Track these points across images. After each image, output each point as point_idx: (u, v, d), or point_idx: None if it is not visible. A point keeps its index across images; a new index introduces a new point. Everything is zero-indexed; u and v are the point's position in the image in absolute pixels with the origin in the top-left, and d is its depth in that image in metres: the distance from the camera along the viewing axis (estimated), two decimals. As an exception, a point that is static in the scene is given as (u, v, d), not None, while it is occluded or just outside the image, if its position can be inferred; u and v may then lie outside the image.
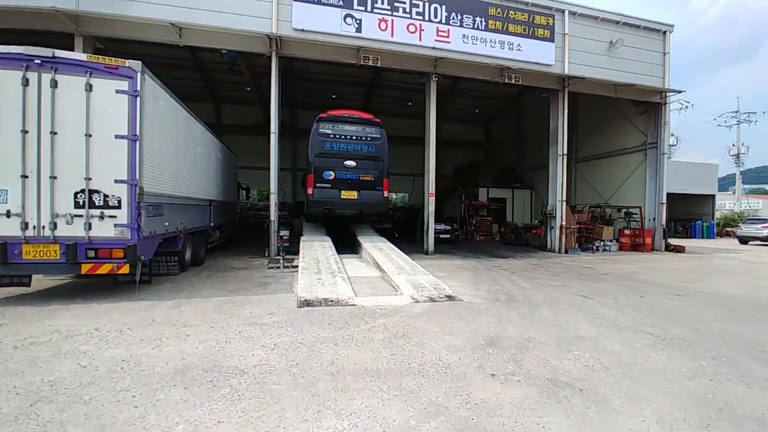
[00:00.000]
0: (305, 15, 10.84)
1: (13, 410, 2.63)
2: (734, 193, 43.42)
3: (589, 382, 3.18)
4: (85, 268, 5.49)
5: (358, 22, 11.14)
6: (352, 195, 10.90)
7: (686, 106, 32.60)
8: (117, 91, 5.59)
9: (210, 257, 10.34)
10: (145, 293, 6.10)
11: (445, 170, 22.70)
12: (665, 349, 4.04)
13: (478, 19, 12.06)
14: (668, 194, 14.97)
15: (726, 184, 47.90)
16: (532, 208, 21.36)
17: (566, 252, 13.38)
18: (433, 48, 11.67)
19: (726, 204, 39.10)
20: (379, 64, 11.58)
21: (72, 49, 9.19)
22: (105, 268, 5.54)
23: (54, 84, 5.41)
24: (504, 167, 23.28)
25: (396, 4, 11.37)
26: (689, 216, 25.89)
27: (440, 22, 11.77)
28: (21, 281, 5.69)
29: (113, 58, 5.67)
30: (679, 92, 14.58)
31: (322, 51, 11.21)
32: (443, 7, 11.74)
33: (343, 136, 10.99)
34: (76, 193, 5.47)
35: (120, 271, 5.60)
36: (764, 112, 40.69)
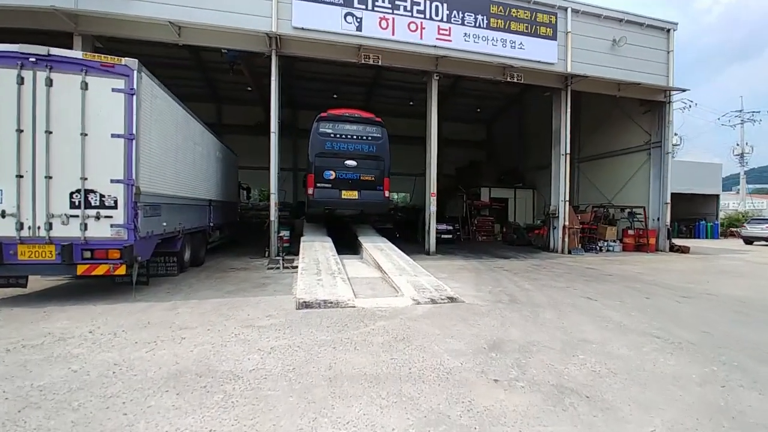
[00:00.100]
0: (305, 13, 10.74)
1: (0, 416, 2.55)
2: (738, 192, 43.14)
3: (596, 388, 3.06)
4: (81, 269, 5.41)
5: (358, 20, 11.04)
6: (353, 195, 10.80)
7: (689, 106, 32.40)
8: (113, 90, 5.51)
9: (210, 257, 10.26)
10: (142, 294, 6.02)
11: (447, 170, 22.61)
12: (674, 353, 3.92)
13: (479, 17, 11.94)
14: (672, 194, 14.81)
15: (729, 183, 47.62)
16: (535, 208, 21.22)
17: (569, 252, 13.24)
18: (435, 47, 11.56)
19: (730, 204, 38.84)
20: (380, 63, 11.47)
21: (71, 49, 9.13)
22: (101, 269, 5.46)
23: (49, 82, 5.33)
24: (506, 167, 23.15)
25: (397, 3, 11.27)
26: (693, 216, 25.67)
27: (441, 20, 11.66)
28: (17, 282, 5.63)
29: (109, 56, 5.59)
30: (683, 91, 14.42)
31: (323, 50, 11.12)
32: (444, 5, 11.63)
33: (343, 136, 10.89)
34: (71, 193, 5.39)
35: (116, 272, 5.51)
36: (768, 112, 40.34)
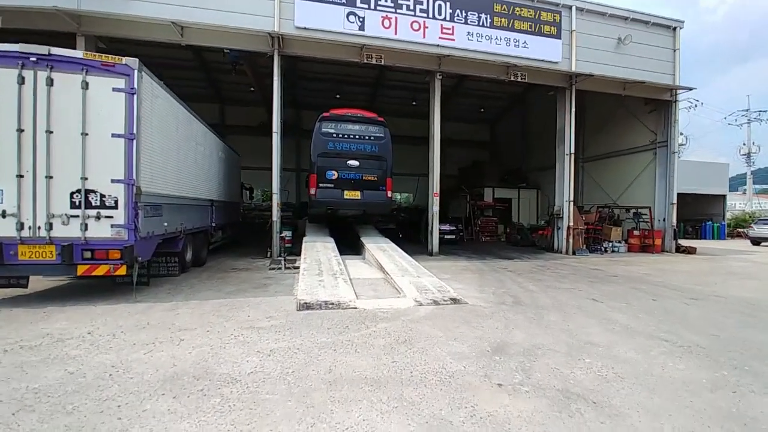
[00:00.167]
0: (308, 13, 10.70)
1: (-8, 420, 2.50)
2: (745, 193, 42.67)
3: (603, 393, 2.97)
4: (81, 270, 5.39)
5: (361, 19, 10.99)
6: (356, 195, 10.74)
7: (695, 105, 32.05)
8: (114, 89, 5.49)
9: (212, 258, 10.24)
10: (143, 295, 5.98)
11: (450, 170, 22.55)
12: (683, 357, 3.82)
13: (483, 16, 11.85)
14: (678, 194, 14.64)
15: (736, 184, 47.07)
16: (538, 208, 21.06)
17: (574, 253, 13.11)
18: (438, 46, 11.48)
19: (736, 204, 38.40)
20: (382, 63, 11.42)
21: (75, 50, 9.14)
22: (101, 270, 5.43)
23: (50, 82, 5.31)
24: (509, 167, 23.00)
25: (400, 2, 11.20)
26: (699, 216, 25.40)
27: (444, 19, 11.57)
28: (18, 282, 5.61)
29: (110, 56, 5.56)
30: (690, 89, 14.23)
31: (325, 49, 11.07)
32: (447, 4, 11.55)
33: (346, 136, 10.83)
34: (72, 193, 5.37)
35: (117, 273, 5.48)
36: (776, 111, 39.78)
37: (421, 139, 16.10)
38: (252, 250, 11.89)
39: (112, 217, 5.46)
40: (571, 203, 13.31)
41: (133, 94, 5.54)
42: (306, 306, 5.31)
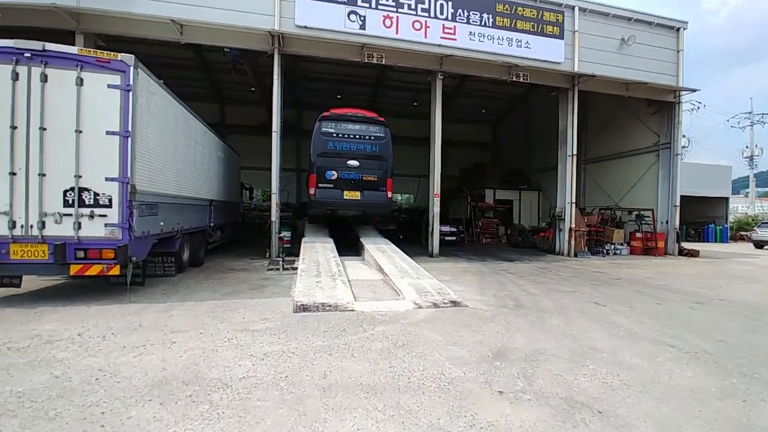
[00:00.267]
0: (308, 11, 10.61)
1: (-30, 427, 2.39)
2: (747, 195, 42.44)
3: (609, 402, 2.86)
4: (74, 269, 5.29)
5: (362, 18, 10.90)
6: (355, 195, 10.63)
7: (698, 107, 31.92)
8: (109, 86, 5.40)
9: (210, 258, 10.14)
10: (137, 295, 5.88)
11: (451, 171, 22.43)
12: (690, 363, 3.69)
13: (485, 15, 11.75)
14: (680, 197, 14.49)
15: (738, 186, 46.80)
16: (540, 210, 20.91)
17: (575, 255, 12.97)
18: (439, 45, 11.39)
19: (739, 207, 38.18)
20: (383, 62, 11.31)
21: (72, 46, 9.07)
22: (95, 270, 5.33)
23: (44, 78, 5.23)
24: (511, 168, 22.87)
25: (401, 1, 11.10)
26: (702, 219, 25.21)
27: (446, 18, 11.48)
28: (11, 282, 5.51)
29: (105, 52, 5.47)
30: (693, 91, 14.12)
31: (326, 48, 10.98)
32: (449, 3, 11.45)
33: (346, 135, 10.72)
34: (65, 191, 5.28)
35: (110, 273, 5.38)
36: (779, 114, 39.56)
37: (422, 140, 16.00)
38: (251, 250, 11.79)
39: (106, 216, 5.36)
40: (573, 205, 13.18)
41: (128, 90, 5.45)
42: (303, 308, 5.19)
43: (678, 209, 14.34)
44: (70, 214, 5.27)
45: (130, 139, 5.45)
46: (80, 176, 5.29)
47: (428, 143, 12.53)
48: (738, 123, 41.26)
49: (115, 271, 5.41)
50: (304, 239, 10.23)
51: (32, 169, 5.18)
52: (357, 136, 10.78)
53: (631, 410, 2.75)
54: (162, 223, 6.67)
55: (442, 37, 11.43)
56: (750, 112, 40.37)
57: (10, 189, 5.14)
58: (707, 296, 7.02)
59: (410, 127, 21.12)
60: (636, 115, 15.62)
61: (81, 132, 5.30)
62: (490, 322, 4.87)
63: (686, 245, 15.51)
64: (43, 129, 5.21)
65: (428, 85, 12.54)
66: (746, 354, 4.04)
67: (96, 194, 5.34)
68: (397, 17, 11.12)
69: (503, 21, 11.88)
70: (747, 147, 40.74)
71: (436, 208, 11.98)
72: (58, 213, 5.24)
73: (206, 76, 18.79)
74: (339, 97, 19.77)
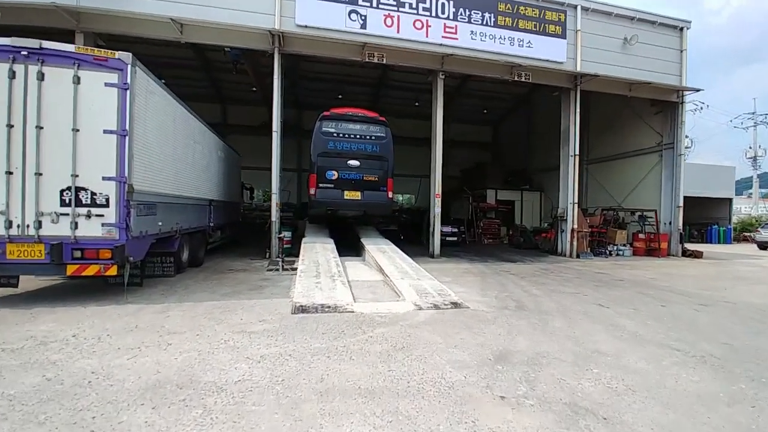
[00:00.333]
0: (309, 11, 10.56)
1: (-43, 432, 2.33)
2: (750, 196, 42.16)
3: (614, 408, 2.77)
4: (70, 270, 5.23)
5: (363, 17, 10.83)
6: (356, 195, 10.55)
7: (701, 107, 31.66)
8: (106, 84, 5.34)
9: (210, 258, 10.09)
10: (135, 296, 5.82)
11: (452, 171, 22.33)
12: (696, 368, 3.61)
13: (487, 15, 11.67)
14: (683, 197, 14.36)
15: (741, 187, 46.50)
16: (542, 210, 20.80)
17: (578, 256, 12.87)
18: (441, 45, 11.31)
19: (742, 208, 37.94)
20: (384, 62, 11.26)
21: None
22: (92, 270, 5.28)
23: (41, 76, 5.18)
24: (513, 168, 22.76)
25: (402, 0, 11.04)
26: (705, 220, 25.05)
27: (448, 18, 11.40)
28: (8, 282, 5.48)
29: (102, 50, 5.43)
30: (697, 90, 13.99)
31: (326, 48, 10.92)
32: (451, 2, 11.37)
33: (346, 135, 10.65)
34: (62, 191, 5.22)
35: (107, 273, 5.33)
36: (782, 114, 39.24)
37: (423, 140, 15.92)
38: (251, 250, 11.73)
39: (102, 215, 5.31)
40: (576, 205, 13.08)
41: (126, 89, 5.39)
42: (301, 309, 5.13)
43: (681, 210, 14.22)
44: (67, 214, 5.21)
45: (127, 138, 5.39)
46: (77, 175, 5.24)
47: (429, 143, 12.46)
48: (741, 123, 40.96)
49: (112, 271, 5.35)
50: (304, 239, 10.16)
51: (29, 168, 5.14)
52: (358, 136, 10.71)
53: (637, 417, 2.67)
54: (160, 223, 6.62)
55: (443, 37, 11.35)
56: (753, 113, 40.08)
57: (7, 188, 5.09)
58: (712, 298, 6.93)
59: (411, 127, 21.05)
60: (639, 115, 15.51)
61: (78, 131, 5.25)
62: (491, 324, 4.79)
63: (689, 246, 15.39)
64: (39, 128, 5.16)
65: (429, 85, 12.46)
66: (753, 358, 3.95)
67: (93, 194, 5.29)
68: (398, 16, 11.05)
69: (505, 20, 11.80)
70: (750, 147, 40.44)
71: (437, 208, 11.91)
72: (55, 212, 5.19)
73: (207, 76, 18.76)
74: (340, 97, 19.71)
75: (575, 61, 12.50)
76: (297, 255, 9.30)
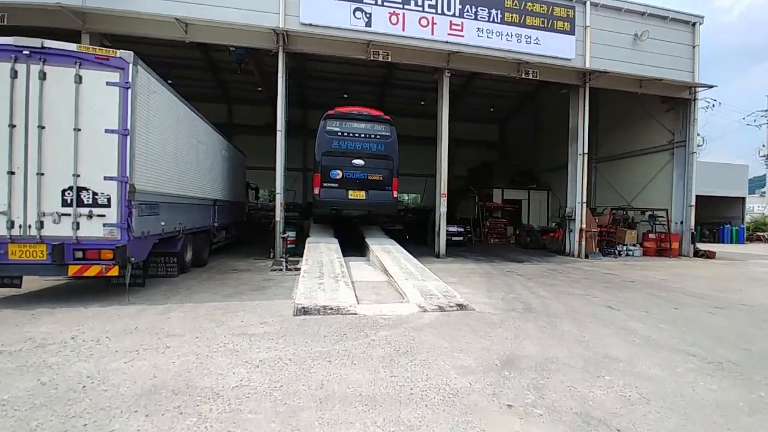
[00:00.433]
0: (313, 9, 10.47)
1: (-54, 438, 2.27)
2: (763, 195, 41.29)
3: (628, 418, 2.63)
4: (72, 270, 5.20)
5: (368, 15, 10.72)
6: (360, 195, 10.45)
7: (713, 105, 31.00)
8: (108, 83, 5.30)
9: (214, 258, 10.07)
10: (137, 296, 5.78)
11: (459, 171, 22.13)
12: (714, 375, 3.44)
13: (493, 11, 11.49)
14: (695, 196, 14.03)
15: (753, 186, 45.54)
16: (549, 210, 20.53)
17: (586, 257, 12.63)
18: (446, 42, 11.15)
19: (754, 207, 37.15)
20: (389, 60, 11.13)
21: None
22: (93, 270, 5.24)
23: (42, 76, 5.15)
24: (519, 167, 22.49)
25: (407, -3, 10.90)
26: (717, 219, 24.54)
27: (453, 15, 11.24)
28: (11, 282, 5.46)
29: (104, 48, 5.39)
30: (710, 87, 13.63)
31: (331, 46, 10.83)
32: (457, -1, 11.21)
33: (351, 134, 10.55)
34: (63, 191, 5.20)
35: (109, 274, 5.29)
36: (797, 111, 38.34)
37: (429, 139, 15.77)
38: (256, 250, 11.69)
39: (104, 215, 5.27)
40: (584, 205, 12.84)
41: (127, 88, 5.34)
42: (303, 311, 5.03)
43: (693, 209, 13.90)
44: (69, 214, 5.18)
45: (129, 137, 5.35)
46: (78, 175, 5.21)
47: (435, 142, 12.31)
48: (754, 121, 40.01)
49: (114, 272, 5.31)
50: (308, 239, 10.09)
51: (30, 168, 5.11)
52: (362, 135, 10.59)
53: (654, 429, 2.52)
54: (163, 223, 6.58)
55: (449, 34, 11.19)
56: (767, 110, 39.26)
57: (9, 188, 5.07)
58: (727, 300, 6.71)
59: (417, 126, 20.92)
60: (649, 112, 15.19)
61: (79, 130, 5.22)
62: (498, 327, 4.65)
63: (701, 246, 15.05)
64: (41, 127, 5.14)
65: (435, 83, 12.31)
66: (774, 364, 3.77)
67: (94, 194, 5.25)
68: (404, 14, 10.92)
69: (512, 17, 11.61)
70: (763, 146, 39.49)
71: (442, 207, 11.76)
72: (57, 213, 5.16)
73: (213, 76, 18.82)
74: (345, 96, 19.64)
75: (584, 57, 12.25)
76: (302, 255, 9.23)
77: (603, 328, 4.80)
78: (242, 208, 14.50)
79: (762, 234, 25.69)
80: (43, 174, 5.14)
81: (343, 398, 2.79)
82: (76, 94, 5.21)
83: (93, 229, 5.25)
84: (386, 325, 4.58)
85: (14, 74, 5.10)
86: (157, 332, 4.17)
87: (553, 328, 4.70)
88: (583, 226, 12.72)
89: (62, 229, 5.17)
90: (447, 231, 12.30)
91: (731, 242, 23.55)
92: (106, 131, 5.28)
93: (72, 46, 5.30)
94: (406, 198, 24.89)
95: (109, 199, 5.28)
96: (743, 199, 25.37)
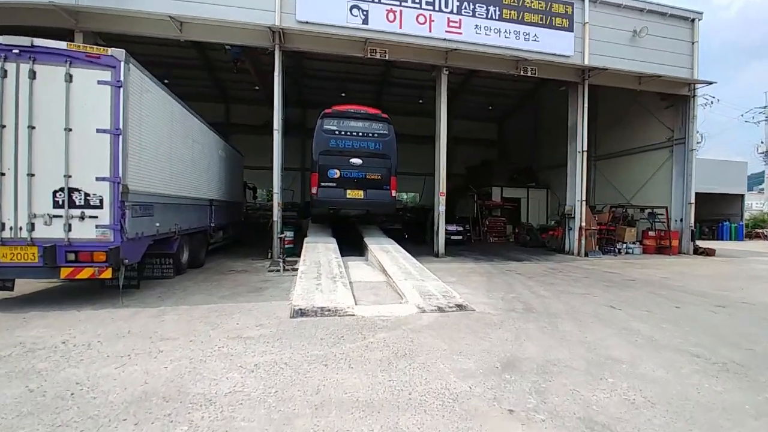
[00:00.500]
0: (310, 6, 10.37)
1: (-74, 451, 2.18)
2: (762, 192, 41.32)
3: (633, 424, 2.55)
4: (64, 273, 5.11)
5: (364, 13, 10.62)
6: (358, 194, 10.35)
7: (711, 102, 30.98)
8: (99, 82, 5.20)
9: (212, 258, 9.98)
10: (131, 299, 5.69)
11: (457, 169, 22.05)
12: (719, 376, 3.37)
13: (491, 8, 11.39)
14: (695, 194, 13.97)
15: (752, 183, 45.57)
16: (548, 208, 20.47)
17: (586, 255, 12.57)
18: (444, 39, 11.05)
19: (753, 204, 37.18)
20: (387, 57, 11.04)
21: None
22: (86, 273, 5.14)
23: (32, 75, 5.05)
24: (518, 166, 22.41)
25: (405, -6, 10.80)
26: (716, 217, 24.52)
27: (451, 12, 11.14)
28: (3, 285, 5.40)
29: (95, 47, 5.29)
30: (710, 83, 13.58)
31: (328, 44, 10.71)
32: (454, -4, 11.11)
33: (348, 133, 10.45)
34: (55, 192, 5.10)
35: (102, 276, 5.19)
36: (795, 108, 38.32)
37: (427, 138, 15.70)
38: (254, 250, 11.60)
39: (96, 217, 5.17)
40: (584, 203, 12.77)
41: (119, 87, 5.24)
42: (300, 312, 4.95)
43: (693, 207, 13.84)
44: (60, 216, 5.09)
45: (121, 137, 5.25)
46: (70, 176, 5.11)
47: (434, 141, 12.22)
48: (753, 118, 40.00)
49: (107, 274, 5.21)
50: (306, 239, 10.00)
51: (21, 169, 5.02)
52: (360, 134, 10.50)
53: (659, 434, 2.45)
54: (158, 224, 6.48)
55: (447, 31, 11.10)
56: (765, 107, 39.20)
57: (-1, 190, 4.97)
58: (728, 299, 6.64)
59: (415, 124, 20.83)
60: (648, 109, 15.11)
61: (71, 130, 5.12)
62: (498, 328, 4.58)
63: (701, 243, 15.01)
64: (31, 128, 5.04)
65: (433, 81, 12.22)
66: (779, 365, 3.70)
67: (86, 195, 5.15)
68: (401, 11, 10.82)
69: (510, 13, 11.51)
70: (762, 142, 39.50)
71: (441, 206, 11.67)
72: (48, 214, 5.07)
73: (211, 75, 18.68)
74: (343, 95, 19.54)
75: (583, 54, 12.17)
76: (300, 255, 9.14)
77: (605, 328, 4.73)
78: (240, 208, 14.40)
79: (761, 231, 25.69)
80: (33, 175, 5.04)
81: (339, 404, 2.71)
82: (66, 93, 5.11)
83: (85, 230, 5.15)
84: (384, 327, 4.50)
85: (3, 73, 5.00)
86: (150, 336, 4.08)
87: (554, 329, 4.62)
88: (583, 224, 12.66)
89: (54, 231, 5.07)
90: (446, 230, 12.23)
91: (730, 239, 23.53)
92: (98, 131, 5.18)
93: (62, 45, 5.19)
94: (405, 197, 24.80)
95: (101, 200, 5.18)
96: (742, 196, 25.35)
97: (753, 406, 2.89)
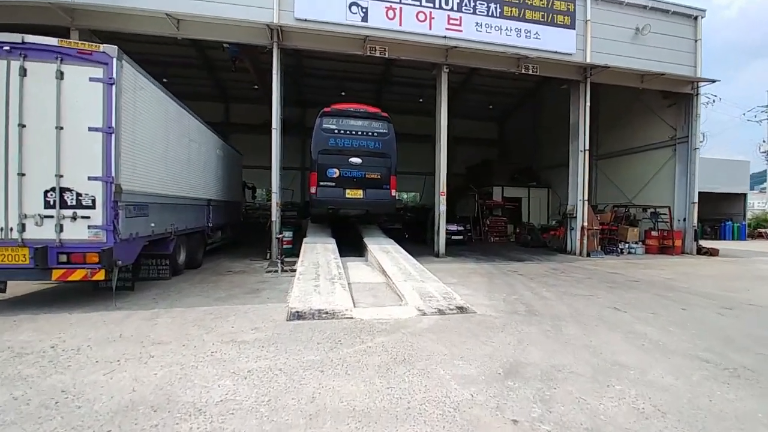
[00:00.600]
0: (308, 4, 10.23)
1: None
2: (763, 191, 41.12)
3: (643, 435, 2.43)
4: (56, 274, 4.99)
5: (364, 10, 10.48)
6: (358, 194, 10.23)
7: (713, 100, 30.80)
8: (90, 79, 5.07)
9: (210, 259, 9.87)
10: (125, 301, 5.57)
11: (458, 169, 21.91)
12: (730, 383, 3.24)
13: (492, 5, 11.25)
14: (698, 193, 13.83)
15: (754, 182, 45.36)
16: (549, 207, 20.32)
17: (588, 255, 12.43)
18: (445, 37, 10.92)
19: (755, 203, 36.97)
20: (386, 55, 10.91)
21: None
22: (78, 274, 5.03)
23: (23, 72, 4.93)
24: (519, 165, 22.26)
25: (404, -9, 10.67)
26: (718, 216, 24.36)
27: (452, 9, 11.00)
28: (-5, 287, 5.25)
29: (87, 43, 5.16)
30: (713, 81, 13.42)
31: (327, 42, 10.59)
32: (455, -8, 10.97)
33: (348, 132, 10.32)
34: (46, 192, 4.98)
35: (94, 278, 5.07)
36: (798, 107, 38.12)
37: (427, 137, 15.58)
38: (253, 250, 11.48)
39: (89, 217, 5.05)
40: (586, 202, 12.64)
41: (111, 84, 5.12)
42: (297, 315, 4.83)
43: (696, 206, 13.70)
44: (52, 216, 4.97)
45: (114, 135, 5.13)
46: (62, 176, 4.99)
47: (434, 140, 12.10)
48: (755, 116, 39.78)
49: (100, 275, 5.09)
50: (305, 239, 9.88)
51: (11, 169, 4.90)
52: (359, 133, 10.37)
53: (671, 446, 2.33)
54: (153, 225, 6.36)
55: (447, 29, 10.96)
56: (767, 105, 39.02)
57: (-11, 190, 4.85)
58: (735, 300, 6.51)
59: (415, 123, 20.69)
60: (651, 108, 14.96)
61: (62, 129, 5.00)
62: (500, 332, 4.45)
63: (704, 243, 14.87)
64: (22, 126, 4.92)
65: (433, 80, 12.09)
66: (792, 370, 3.57)
67: (78, 194, 5.03)
68: (401, 8, 10.68)
69: (511, 11, 11.38)
70: (764, 141, 39.28)
71: (442, 206, 11.55)
72: (39, 215, 4.95)
73: (210, 75, 18.56)
74: (343, 93, 19.41)
75: (585, 52, 12.03)
76: (299, 255, 9.02)
77: (610, 331, 4.60)
78: (238, 208, 14.27)
79: (764, 231, 25.52)
80: (24, 174, 4.92)
81: (335, 414, 2.58)
82: (57, 90, 4.99)
83: (77, 231, 5.04)
84: (383, 331, 4.38)
85: (-6, 71, 4.88)
86: (142, 340, 3.96)
87: (558, 332, 4.50)
88: (585, 223, 12.52)
89: (45, 232, 4.95)
90: (446, 230, 12.10)
91: (733, 239, 23.37)
92: (90, 129, 5.06)
93: (53, 41, 5.07)
94: (405, 197, 24.67)
95: (93, 201, 5.06)
96: (744, 195, 25.19)
97: (766, 415, 2.76)
